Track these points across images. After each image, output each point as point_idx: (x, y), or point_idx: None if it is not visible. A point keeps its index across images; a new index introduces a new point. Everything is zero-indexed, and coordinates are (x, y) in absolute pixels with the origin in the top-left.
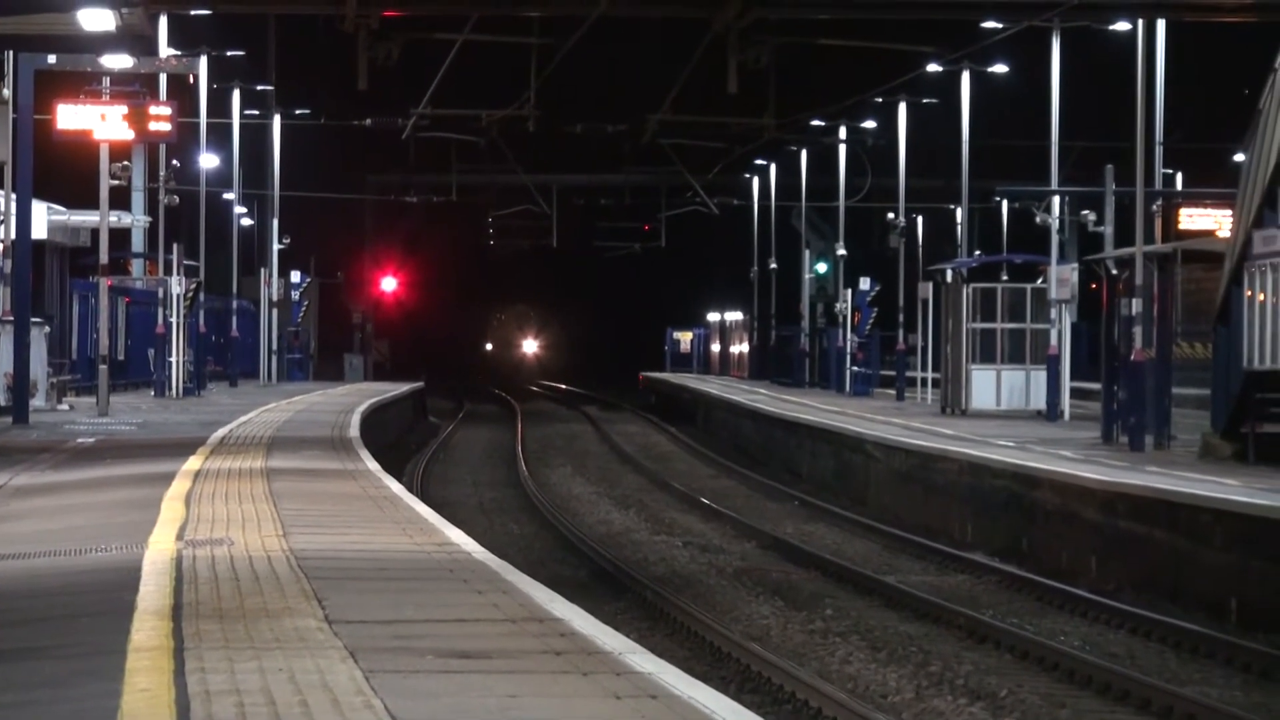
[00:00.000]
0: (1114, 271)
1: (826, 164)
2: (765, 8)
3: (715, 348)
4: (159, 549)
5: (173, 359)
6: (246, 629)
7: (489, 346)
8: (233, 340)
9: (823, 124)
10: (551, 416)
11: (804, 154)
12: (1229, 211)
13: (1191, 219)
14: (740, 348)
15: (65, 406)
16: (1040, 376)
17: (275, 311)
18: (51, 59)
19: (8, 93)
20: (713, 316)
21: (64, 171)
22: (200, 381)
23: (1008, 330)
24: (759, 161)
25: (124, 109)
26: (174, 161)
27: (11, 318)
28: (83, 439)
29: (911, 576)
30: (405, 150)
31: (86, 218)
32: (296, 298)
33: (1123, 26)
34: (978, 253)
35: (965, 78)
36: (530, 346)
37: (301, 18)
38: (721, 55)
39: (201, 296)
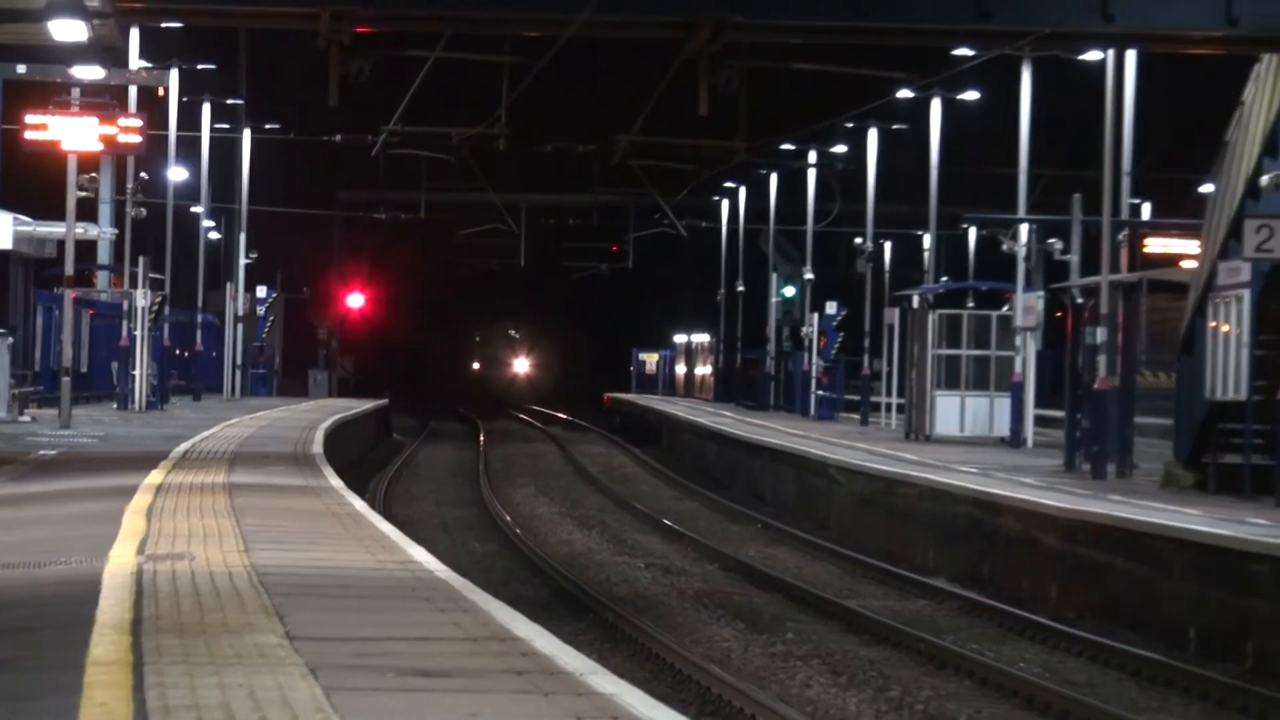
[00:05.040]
0: (1079, 300)
1: (795, 188)
2: (737, 31)
3: (681, 369)
4: (119, 563)
5: (136, 372)
6: (207, 644)
7: (476, 366)
8: (197, 354)
9: (792, 148)
10: (515, 436)
11: (773, 178)
12: (1195, 242)
13: (1157, 248)
14: (706, 370)
15: (27, 418)
16: (1004, 403)
17: (241, 326)
18: (21, 69)
19: None
20: (679, 338)
21: (31, 182)
22: (164, 395)
23: (973, 357)
24: (728, 184)
25: (93, 120)
26: (142, 174)
27: None
28: (44, 451)
29: (873, 601)
30: (375, 167)
31: (53, 229)
32: (262, 313)
33: (1093, 56)
34: (944, 279)
35: (935, 104)
36: (521, 366)
37: (273, 32)
38: (692, 77)
39: (166, 310)
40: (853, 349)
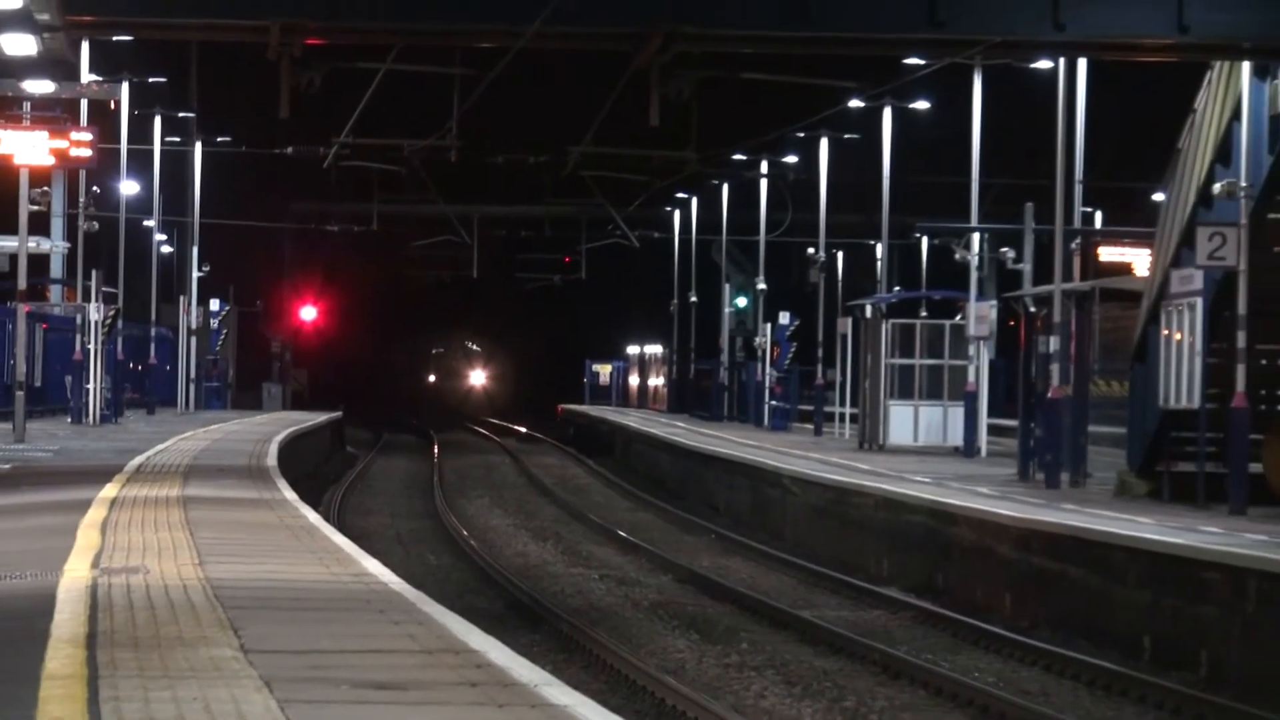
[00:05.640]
0: (1032, 309)
1: (748, 198)
2: (688, 41)
3: (634, 380)
4: (74, 576)
5: (90, 386)
6: (161, 658)
7: (432, 378)
8: (151, 368)
9: (744, 158)
10: (470, 448)
11: (725, 188)
12: (1147, 250)
13: (1110, 257)
14: (659, 381)
15: None
16: (958, 413)
17: (194, 339)
18: None
19: None
20: (632, 349)
21: None
22: (118, 409)
23: (926, 366)
24: (680, 195)
25: (45, 134)
26: (94, 187)
27: None
28: None
29: (827, 611)
30: (326, 179)
31: (5, 243)
32: (215, 326)
33: (1044, 65)
34: (897, 288)
35: (887, 113)
36: (478, 378)
37: (224, 45)
38: (644, 88)
39: (120, 323)
40: (806, 359)
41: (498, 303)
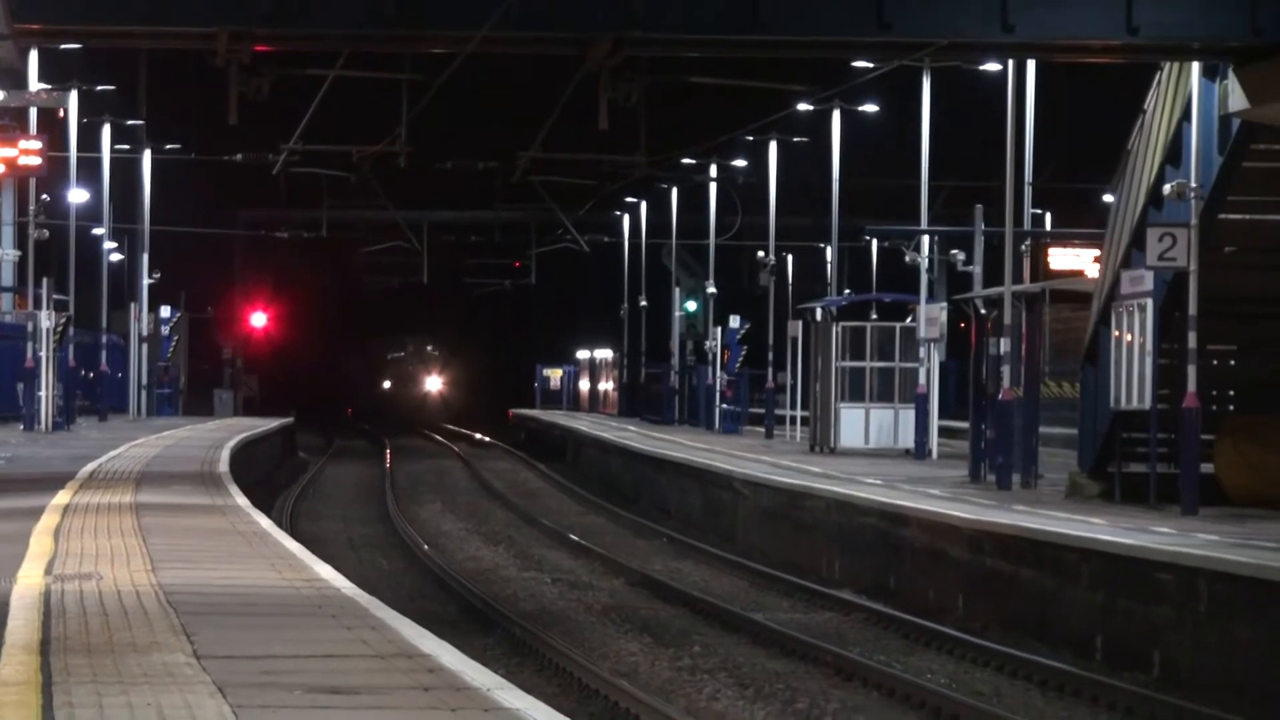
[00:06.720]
0: (982, 311)
1: (697, 202)
2: (636, 45)
3: (585, 385)
4: (27, 583)
5: (42, 393)
6: (115, 664)
7: (387, 384)
8: (102, 375)
9: (694, 162)
10: (422, 453)
11: (675, 192)
12: (1097, 251)
13: (1059, 258)
14: (609, 385)
15: None
16: (909, 415)
17: (145, 346)
18: None
19: None
20: (582, 354)
21: None
22: (69, 416)
23: (876, 369)
24: (630, 199)
25: None
26: (44, 196)
27: None
28: None
29: (779, 614)
30: (276, 186)
31: None
32: (166, 333)
33: (993, 67)
34: (847, 291)
35: (836, 116)
36: (434, 384)
37: (172, 52)
38: (592, 92)
39: (71, 331)
40: (756, 362)
41: (449, 308)
